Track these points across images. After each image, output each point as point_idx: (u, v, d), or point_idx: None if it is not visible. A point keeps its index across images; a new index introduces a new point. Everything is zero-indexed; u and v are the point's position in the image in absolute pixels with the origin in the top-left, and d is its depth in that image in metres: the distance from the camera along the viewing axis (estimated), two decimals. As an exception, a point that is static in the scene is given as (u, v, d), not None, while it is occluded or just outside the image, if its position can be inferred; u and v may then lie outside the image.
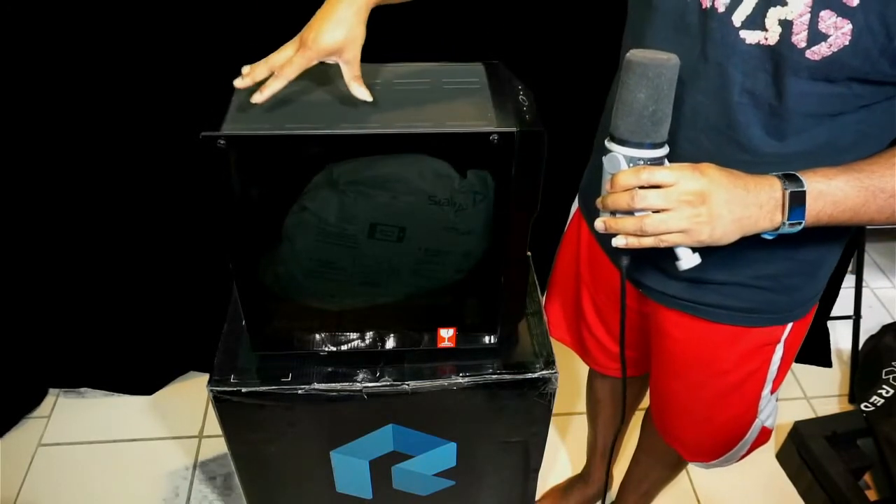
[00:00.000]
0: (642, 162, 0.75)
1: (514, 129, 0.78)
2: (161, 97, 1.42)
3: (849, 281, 1.88)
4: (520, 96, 0.87)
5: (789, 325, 0.98)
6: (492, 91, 0.88)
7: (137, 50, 1.36)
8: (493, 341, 0.99)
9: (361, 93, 0.82)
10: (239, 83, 0.81)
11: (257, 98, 0.80)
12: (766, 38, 0.73)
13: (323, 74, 0.90)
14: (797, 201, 0.73)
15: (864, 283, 1.96)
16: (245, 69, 0.82)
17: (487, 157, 0.80)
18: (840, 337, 2.05)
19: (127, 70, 1.38)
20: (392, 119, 0.81)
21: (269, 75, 0.80)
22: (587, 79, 1.31)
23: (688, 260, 0.76)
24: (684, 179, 0.72)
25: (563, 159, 1.22)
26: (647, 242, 0.74)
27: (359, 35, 0.80)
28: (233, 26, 1.35)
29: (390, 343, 0.98)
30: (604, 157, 0.77)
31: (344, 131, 0.78)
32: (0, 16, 1.28)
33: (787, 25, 0.71)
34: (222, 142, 0.76)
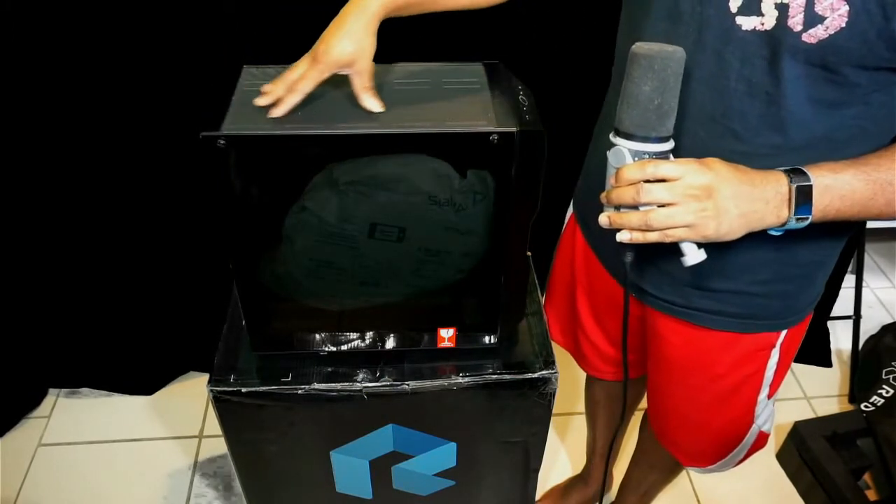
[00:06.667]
0: (647, 156, 0.74)
1: (514, 129, 0.78)
2: (161, 97, 1.42)
3: (849, 281, 1.88)
4: (520, 96, 0.87)
5: (784, 331, 0.98)
6: (492, 91, 0.88)
7: (137, 50, 1.36)
8: (493, 341, 0.99)
9: (373, 104, 0.83)
10: (259, 101, 0.83)
11: (275, 112, 0.81)
12: (763, 24, 0.73)
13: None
14: (804, 196, 0.72)
15: (864, 283, 1.95)
16: (265, 88, 0.83)
17: (487, 157, 0.80)
18: (840, 337, 2.05)
19: (127, 70, 1.38)
20: (392, 119, 0.81)
21: (286, 92, 0.82)
22: (587, 79, 1.31)
23: (693, 256, 0.75)
24: (690, 173, 0.71)
25: (563, 159, 1.22)
26: (652, 237, 0.73)
27: (368, 46, 0.82)
28: (232, 26, 1.35)
29: (390, 343, 0.98)
30: (608, 152, 0.76)
31: (344, 131, 0.78)
32: (0, 16, 1.29)
33: (783, 9, 0.71)
34: (222, 142, 0.76)
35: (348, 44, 0.80)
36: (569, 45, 1.47)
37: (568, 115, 1.36)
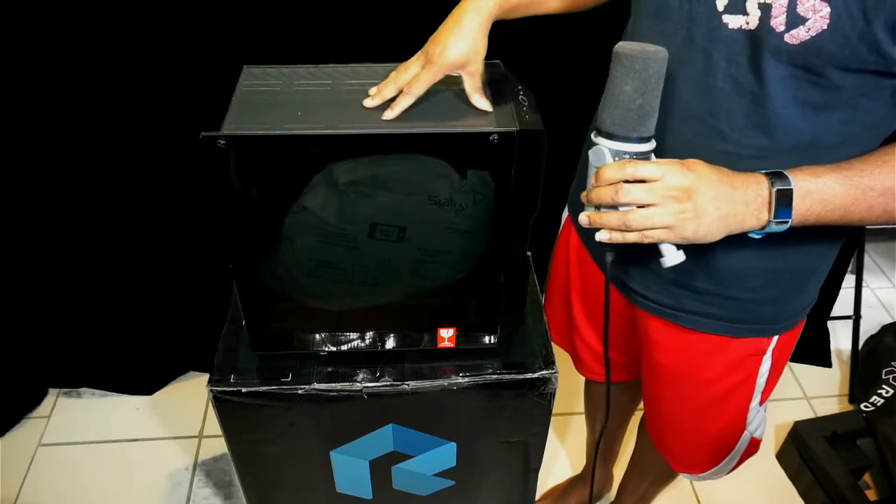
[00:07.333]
0: (628, 156, 0.74)
1: (514, 129, 0.78)
2: (161, 97, 1.42)
3: (849, 281, 1.88)
4: (520, 96, 0.87)
5: (775, 338, 0.97)
6: (492, 91, 0.88)
7: (137, 50, 1.36)
8: (493, 341, 0.99)
9: (483, 104, 0.84)
10: (369, 103, 0.83)
11: (389, 115, 0.82)
12: (748, 23, 0.72)
13: (324, 75, 0.90)
14: (784, 200, 0.72)
15: (864, 283, 1.96)
16: (372, 91, 0.84)
17: (487, 157, 0.80)
18: (840, 337, 2.05)
19: (127, 70, 1.38)
20: (392, 119, 0.81)
21: (396, 93, 0.83)
22: (587, 79, 1.31)
23: (672, 257, 0.75)
24: (670, 174, 0.71)
25: (563, 159, 1.22)
26: (631, 238, 0.73)
27: (482, 48, 0.83)
28: (232, 26, 1.35)
29: (390, 343, 0.98)
30: (589, 151, 0.76)
31: (344, 131, 0.78)
32: (0, 16, 1.29)
33: (766, 9, 0.70)
34: (222, 142, 0.76)
35: (463, 45, 0.82)
36: (569, 45, 1.47)
37: (568, 115, 1.35)
